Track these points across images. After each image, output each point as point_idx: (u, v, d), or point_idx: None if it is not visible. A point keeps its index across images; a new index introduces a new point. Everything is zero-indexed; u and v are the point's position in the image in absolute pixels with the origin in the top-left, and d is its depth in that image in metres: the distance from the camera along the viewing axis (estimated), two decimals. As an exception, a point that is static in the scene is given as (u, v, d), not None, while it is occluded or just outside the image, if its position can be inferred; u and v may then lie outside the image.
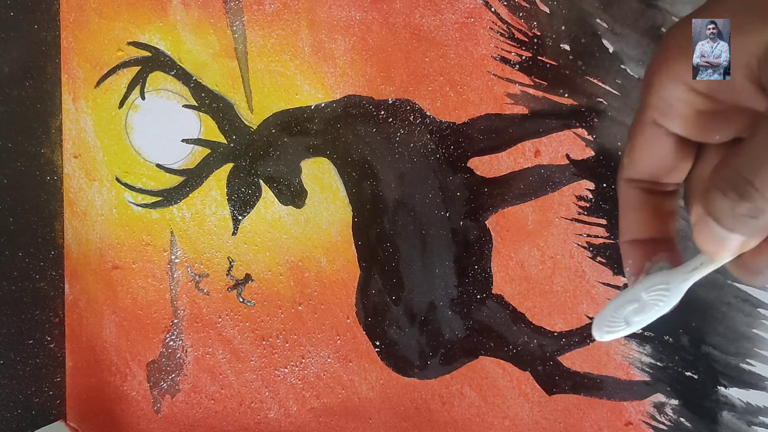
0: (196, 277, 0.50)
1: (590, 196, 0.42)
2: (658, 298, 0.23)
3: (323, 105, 0.46)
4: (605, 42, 0.41)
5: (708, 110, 0.21)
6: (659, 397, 0.42)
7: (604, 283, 0.43)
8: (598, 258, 0.43)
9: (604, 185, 0.42)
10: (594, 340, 0.43)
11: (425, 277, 0.45)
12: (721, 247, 0.20)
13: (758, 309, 0.40)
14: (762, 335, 0.40)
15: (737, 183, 0.19)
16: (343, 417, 0.48)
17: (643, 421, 0.43)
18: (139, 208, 0.50)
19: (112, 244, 0.51)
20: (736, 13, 0.20)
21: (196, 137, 0.48)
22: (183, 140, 0.49)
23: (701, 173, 0.23)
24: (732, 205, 0.19)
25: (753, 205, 0.18)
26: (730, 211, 0.19)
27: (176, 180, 0.49)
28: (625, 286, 0.42)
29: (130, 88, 0.49)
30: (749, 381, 0.40)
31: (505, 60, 0.43)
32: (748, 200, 0.18)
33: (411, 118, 0.45)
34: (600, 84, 0.41)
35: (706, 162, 0.23)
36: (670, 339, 0.41)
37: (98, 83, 0.50)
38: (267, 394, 0.50)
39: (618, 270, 0.42)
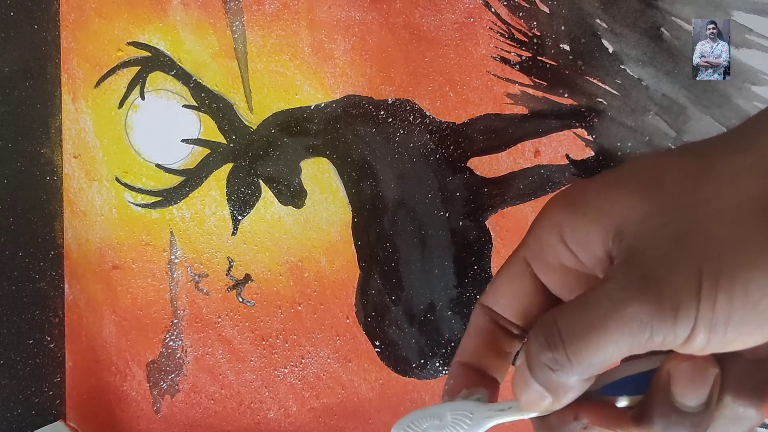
0: (196, 277, 0.50)
1: (590, 196, 0.42)
2: (460, 424, 0.23)
3: (323, 105, 0.46)
4: (605, 42, 0.41)
5: (572, 268, 0.21)
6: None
7: (603, 284, 0.43)
8: (598, 258, 0.42)
9: (604, 185, 0.42)
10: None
11: (425, 278, 0.45)
12: (527, 395, 0.20)
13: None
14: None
15: (548, 331, 0.19)
16: (343, 417, 0.48)
17: None
18: (139, 208, 0.50)
19: (111, 244, 0.51)
20: (601, 189, 0.20)
21: (195, 137, 0.49)
22: (183, 140, 0.49)
23: None
24: (537, 351, 0.19)
25: (554, 356, 0.19)
26: (536, 356, 0.19)
27: (176, 180, 0.49)
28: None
29: (130, 88, 0.49)
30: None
31: (504, 60, 0.43)
32: (552, 350, 0.19)
33: (411, 118, 0.45)
34: (600, 84, 0.41)
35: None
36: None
37: (98, 83, 0.50)
38: (267, 394, 0.50)
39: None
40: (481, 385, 0.24)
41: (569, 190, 0.21)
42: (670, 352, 0.19)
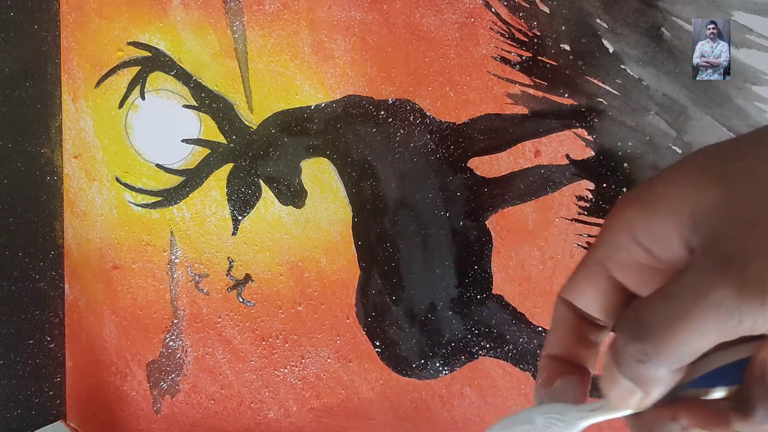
0: (196, 277, 0.50)
1: (590, 196, 0.42)
2: (552, 427, 0.23)
3: (323, 105, 0.46)
4: (605, 42, 0.41)
5: (648, 265, 0.21)
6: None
7: (604, 283, 0.43)
8: (598, 258, 0.42)
9: (604, 185, 0.42)
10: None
11: (425, 277, 0.45)
12: (616, 391, 0.20)
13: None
14: (762, 335, 0.40)
15: (634, 324, 0.19)
16: (343, 417, 0.48)
17: None
18: (139, 208, 0.50)
19: (112, 244, 0.51)
20: (670, 183, 0.20)
21: (196, 137, 0.48)
22: (183, 140, 0.49)
23: None
24: (624, 345, 0.19)
25: (641, 347, 0.19)
26: (622, 350, 0.19)
27: (176, 180, 0.49)
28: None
29: (130, 88, 0.49)
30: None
31: (505, 60, 0.43)
32: (639, 341, 0.19)
33: (411, 118, 0.45)
34: (600, 84, 0.41)
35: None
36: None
37: (98, 83, 0.50)
38: (267, 394, 0.50)
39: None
40: (571, 377, 0.24)
41: (638, 189, 0.22)
42: (763, 337, 0.19)
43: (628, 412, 0.21)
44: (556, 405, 0.24)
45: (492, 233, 0.44)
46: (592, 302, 0.23)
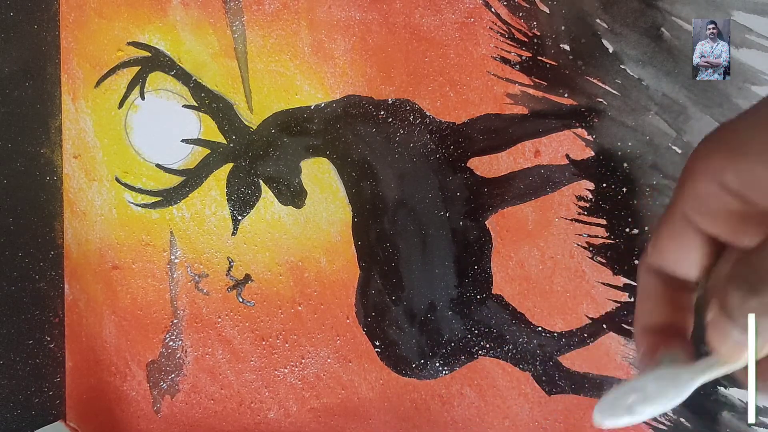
0: (196, 277, 0.50)
1: (590, 196, 0.42)
2: (665, 392, 0.22)
3: (323, 105, 0.46)
4: (605, 42, 0.41)
5: (740, 211, 0.20)
6: (659, 398, 0.42)
7: (604, 283, 0.43)
8: (598, 258, 0.42)
9: (604, 185, 0.42)
10: (593, 340, 0.43)
11: (425, 277, 0.45)
12: (732, 347, 0.20)
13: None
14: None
15: (750, 277, 0.18)
16: (343, 417, 0.48)
17: (643, 421, 0.43)
18: (139, 208, 0.50)
19: (111, 244, 0.51)
20: (755, 126, 0.20)
21: (196, 137, 0.48)
22: (183, 140, 0.49)
23: (723, 273, 0.23)
24: (743, 300, 0.18)
25: (761, 300, 0.18)
26: (741, 305, 0.19)
27: (176, 180, 0.49)
28: (625, 286, 0.42)
29: (130, 88, 0.49)
30: (749, 381, 0.40)
31: (505, 60, 0.43)
32: (759, 295, 0.18)
33: (411, 118, 0.45)
34: (600, 84, 0.41)
35: (729, 262, 0.23)
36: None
37: (98, 83, 0.50)
38: (267, 394, 0.50)
39: (618, 270, 0.42)
40: (672, 342, 0.23)
41: (718, 135, 0.21)
42: None
43: (742, 365, 0.20)
44: (664, 369, 0.23)
45: (492, 233, 0.44)
46: (683, 261, 0.22)
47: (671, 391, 0.22)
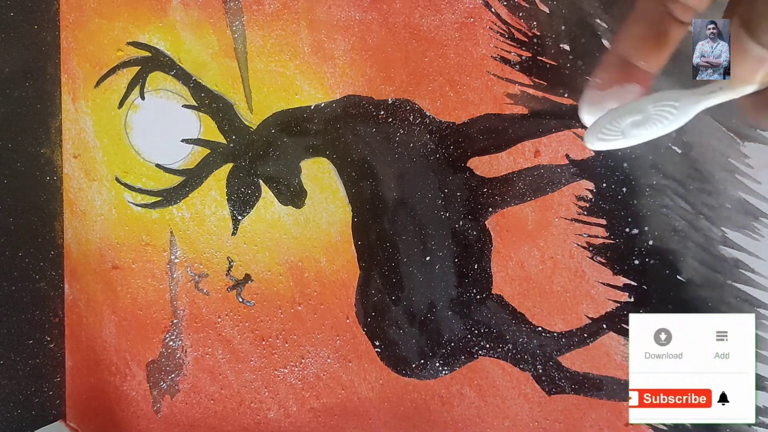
0: (196, 277, 0.50)
1: (590, 196, 0.42)
2: (665, 114, 0.21)
3: (323, 105, 0.46)
4: (605, 42, 0.41)
5: None
6: (659, 398, 0.42)
7: (604, 283, 0.43)
8: (598, 258, 0.42)
9: (604, 185, 0.42)
10: (593, 340, 0.43)
11: (425, 277, 0.45)
12: (750, 65, 0.18)
13: (758, 309, 0.40)
14: (762, 335, 0.40)
15: None
16: (343, 417, 0.48)
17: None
18: (139, 208, 0.50)
19: (111, 244, 0.51)
20: None
21: (195, 137, 0.48)
22: (183, 140, 0.49)
23: None
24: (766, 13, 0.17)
25: None
26: (764, 20, 0.18)
27: (176, 180, 0.49)
28: (624, 286, 0.42)
29: (130, 88, 0.49)
30: (749, 381, 0.40)
31: (504, 60, 0.43)
32: None
33: (411, 118, 0.45)
34: (600, 84, 0.41)
35: None
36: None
37: (98, 83, 0.50)
38: (267, 394, 0.50)
39: (618, 270, 0.42)
40: (634, 80, 0.22)
41: None
42: None
43: (751, 89, 0.19)
44: (669, 92, 0.22)
45: (492, 233, 0.44)
46: None
47: (671, 114, 0.21)
